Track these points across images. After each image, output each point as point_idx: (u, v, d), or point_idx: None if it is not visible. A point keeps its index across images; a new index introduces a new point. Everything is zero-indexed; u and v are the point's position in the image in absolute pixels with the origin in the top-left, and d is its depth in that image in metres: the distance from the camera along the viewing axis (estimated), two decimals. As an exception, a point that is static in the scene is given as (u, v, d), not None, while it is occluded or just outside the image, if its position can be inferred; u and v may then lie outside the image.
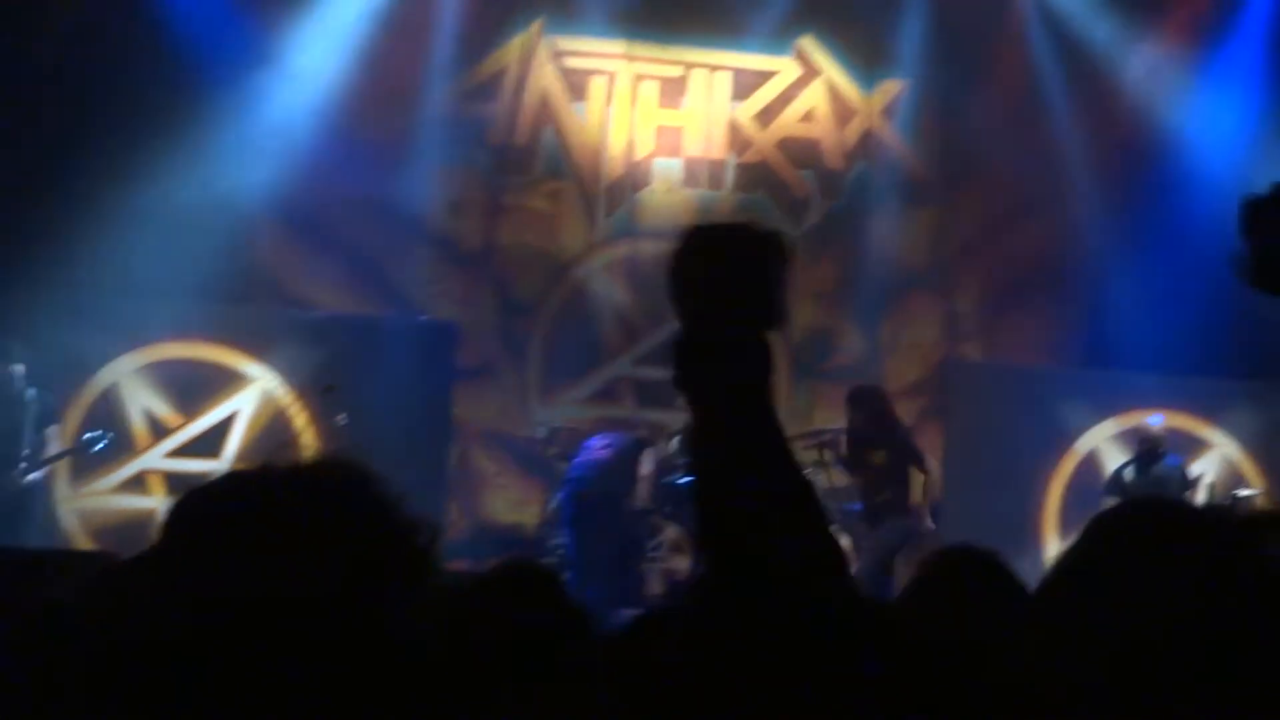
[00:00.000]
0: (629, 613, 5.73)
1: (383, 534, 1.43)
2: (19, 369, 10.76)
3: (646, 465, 11.42)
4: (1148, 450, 11.61)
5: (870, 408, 11.16)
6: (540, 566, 4.12)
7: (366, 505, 1.44)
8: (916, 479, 11.07)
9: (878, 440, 11.00)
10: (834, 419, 13.21)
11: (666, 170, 13.73)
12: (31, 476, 10.79)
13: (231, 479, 1.47)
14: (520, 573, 3.56)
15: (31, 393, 10.84)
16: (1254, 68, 13.53)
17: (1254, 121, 13.45)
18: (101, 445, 11.34)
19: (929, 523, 11.07)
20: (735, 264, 2.11)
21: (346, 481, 1.45)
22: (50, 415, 11.00)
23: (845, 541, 12.31)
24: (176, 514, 1.46)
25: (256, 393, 12.32)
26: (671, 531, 11.83)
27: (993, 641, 2.38)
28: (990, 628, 2.50)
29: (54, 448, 10.97)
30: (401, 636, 1.40)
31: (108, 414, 11.65)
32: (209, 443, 12.16)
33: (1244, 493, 12.39)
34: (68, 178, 12.14)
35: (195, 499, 1.47)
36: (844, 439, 11.34)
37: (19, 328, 11.06)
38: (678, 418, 12.64)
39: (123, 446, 11.75)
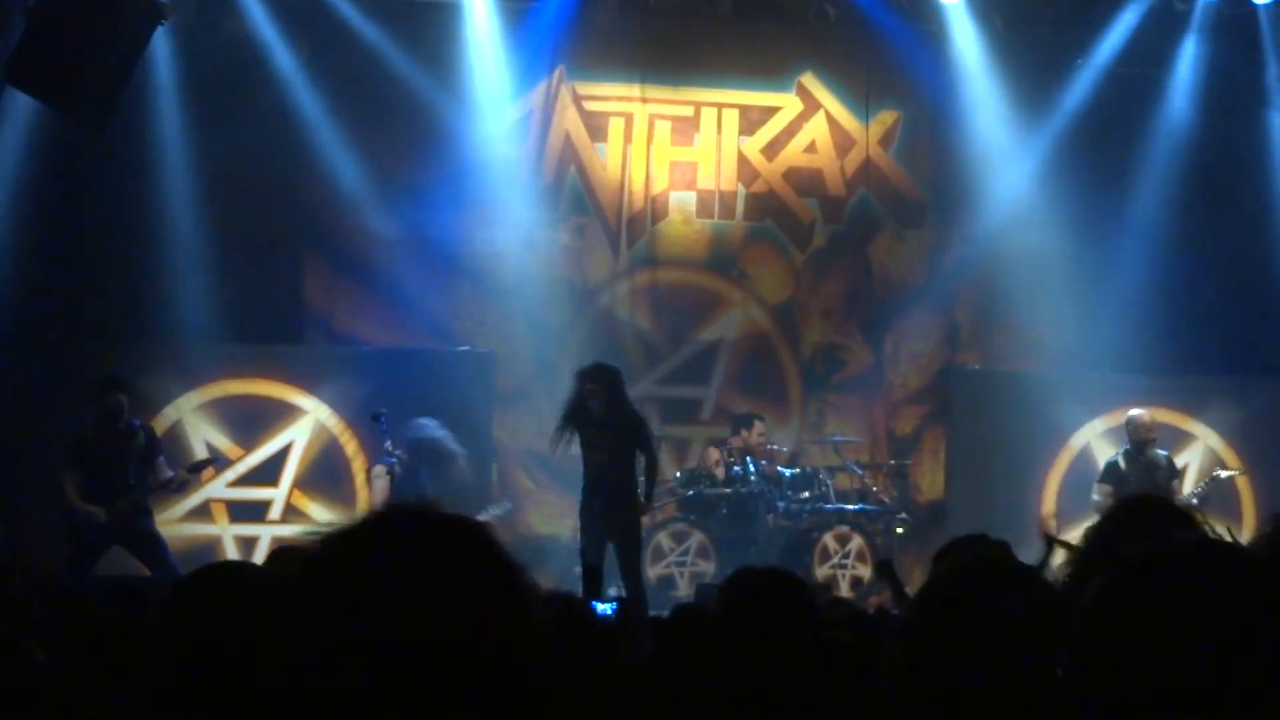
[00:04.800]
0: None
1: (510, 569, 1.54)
2: (125, 400, 11.02)
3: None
4: (1138, 441, 11.93)
5: (609, 385, 10.60)
6: (571, 596, 4.60)
7: (497, 553, 1.54)
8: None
9: (610, 417, 10.51)
10: (844, 429, 13.85)
11: (682, 203, 14.16)
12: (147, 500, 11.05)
13: (366, 524, 1.52)
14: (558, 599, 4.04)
15: (136, 424, 11.14)
16: (1219, 84, 13.91)
17: (1224, 137, 13.86)
18: (206, 467, 11.77)
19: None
20: None
21: (470, 530, 1.55)
22: (156, 447, 11.22)
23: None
24: (321, 558, 1.49)
25: (310, 424, 12.73)
26: (698, 537, 12.25)
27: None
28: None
29: (163, 477, 11.18)
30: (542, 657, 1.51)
31: (173, 449, 11.86)
32: (267, 472, 12.64)
33: (1223, 473, 12.88)
34: (138, 237, 12.73)
35: (335, 544, 1.51)
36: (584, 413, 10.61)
37: (99, 372, 11.41)
38: (698, 432, 13.29)
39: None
